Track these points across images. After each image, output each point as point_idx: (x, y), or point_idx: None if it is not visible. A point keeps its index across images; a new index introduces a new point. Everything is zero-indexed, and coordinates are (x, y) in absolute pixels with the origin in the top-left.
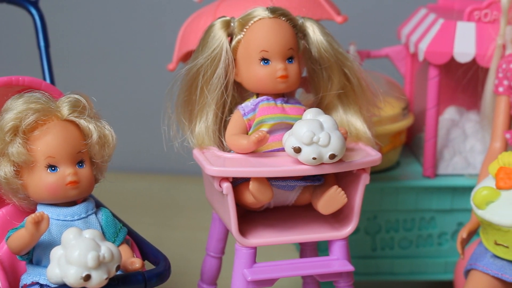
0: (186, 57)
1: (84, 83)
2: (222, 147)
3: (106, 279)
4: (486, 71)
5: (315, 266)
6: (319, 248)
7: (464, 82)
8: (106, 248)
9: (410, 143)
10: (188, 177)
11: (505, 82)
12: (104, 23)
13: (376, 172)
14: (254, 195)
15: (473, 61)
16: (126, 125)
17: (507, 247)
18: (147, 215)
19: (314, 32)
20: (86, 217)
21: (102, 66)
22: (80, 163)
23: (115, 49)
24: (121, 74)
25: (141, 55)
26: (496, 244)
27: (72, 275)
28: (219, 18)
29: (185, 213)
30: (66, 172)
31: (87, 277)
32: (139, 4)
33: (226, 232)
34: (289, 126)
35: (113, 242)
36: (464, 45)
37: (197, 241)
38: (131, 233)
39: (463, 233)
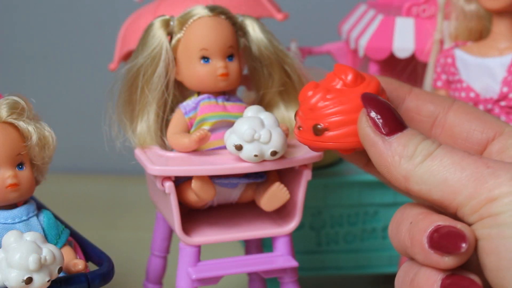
0: (127, 56)
1: (25, 85)
2: (164, 146)
3: (48, 281)
4: (425, 66)
5: (259, 262)
6: (264, 245)
7: (404, 77)
8: (48, 250)
9: None
10: (132, 177)
11: (444, 77)
12: (44, 24)
13: (320, 168)
14: (196, 194)
15: (412, 56)
16: (68, 126)
17: None
18: (91, 216)
19: (254, 30)
20: (27, 219)
21: (44, 67)
22: (20, 165)
23: (56, 50)
24: (63, 74)
25: (82, 55)
26: None
27: (13, 278)
28: (158, 17)
29: (130, 213)
30: (6, 175)
31: (29, 280)
32: (80, 4)
33: (170, 231)
34: (230, 124)
35: (55, 244)
36: (403, 40)
37: (143, 241)
38: (74, 235)
39: None
